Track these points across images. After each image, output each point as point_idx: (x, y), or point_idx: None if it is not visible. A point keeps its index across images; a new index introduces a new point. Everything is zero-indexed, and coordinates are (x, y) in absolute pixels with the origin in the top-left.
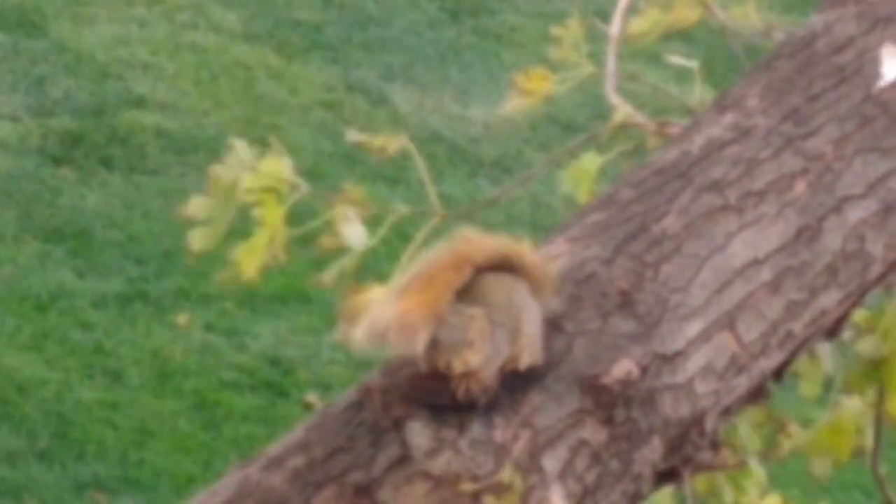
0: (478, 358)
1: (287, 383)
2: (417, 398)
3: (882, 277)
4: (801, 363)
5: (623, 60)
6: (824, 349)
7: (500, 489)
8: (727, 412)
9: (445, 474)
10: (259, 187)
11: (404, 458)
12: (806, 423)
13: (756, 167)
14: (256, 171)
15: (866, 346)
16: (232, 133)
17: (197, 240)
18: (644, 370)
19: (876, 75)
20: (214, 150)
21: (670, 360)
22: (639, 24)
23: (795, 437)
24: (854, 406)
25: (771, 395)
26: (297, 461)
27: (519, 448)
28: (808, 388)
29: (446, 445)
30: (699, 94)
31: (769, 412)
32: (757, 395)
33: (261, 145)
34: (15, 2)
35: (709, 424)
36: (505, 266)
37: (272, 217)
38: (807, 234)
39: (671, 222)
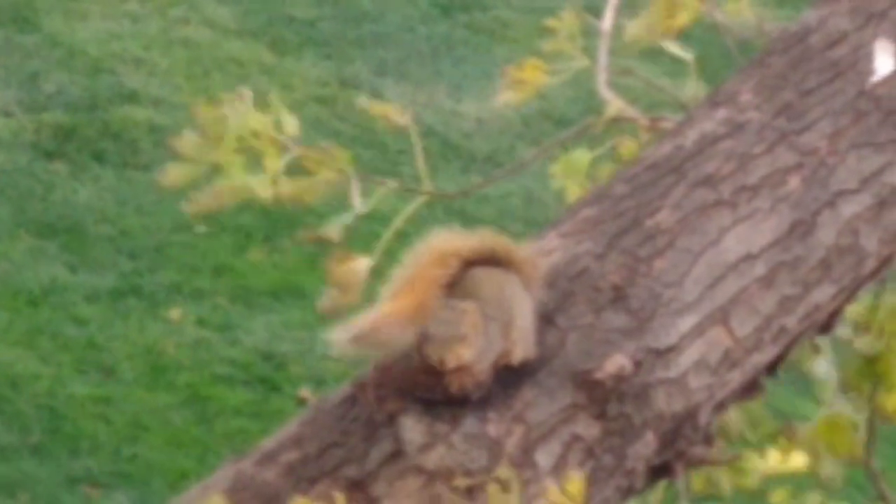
0: (470, 352)
1: (280, 378)
2: (411, 393)
3: (876, 272)
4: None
5: (616, 55)
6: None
7: (497, 484)
8: (720, 407)
9: (439, 469)
10: (259, 133)
11: (398, 453)
12: (800, 419)
13: (750, 162)
14: (259, 118)
15: (862, 343)
16: None
17: (172, 173)
18: (637, 365)
19: (869, 70)
20: None
21: (663, 354)
22: (634, 29)
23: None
24: (850, 403)
25: (764, 390)
26: (291, 456)
27: (512, 443)
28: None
29: (439, 440)
30: (692, 89)
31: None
32: (750, 389)
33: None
34: None
35: (702, 419)
36: (494, 260)
37: (273, 164)
38: (800, 229)
39: (664, 217)
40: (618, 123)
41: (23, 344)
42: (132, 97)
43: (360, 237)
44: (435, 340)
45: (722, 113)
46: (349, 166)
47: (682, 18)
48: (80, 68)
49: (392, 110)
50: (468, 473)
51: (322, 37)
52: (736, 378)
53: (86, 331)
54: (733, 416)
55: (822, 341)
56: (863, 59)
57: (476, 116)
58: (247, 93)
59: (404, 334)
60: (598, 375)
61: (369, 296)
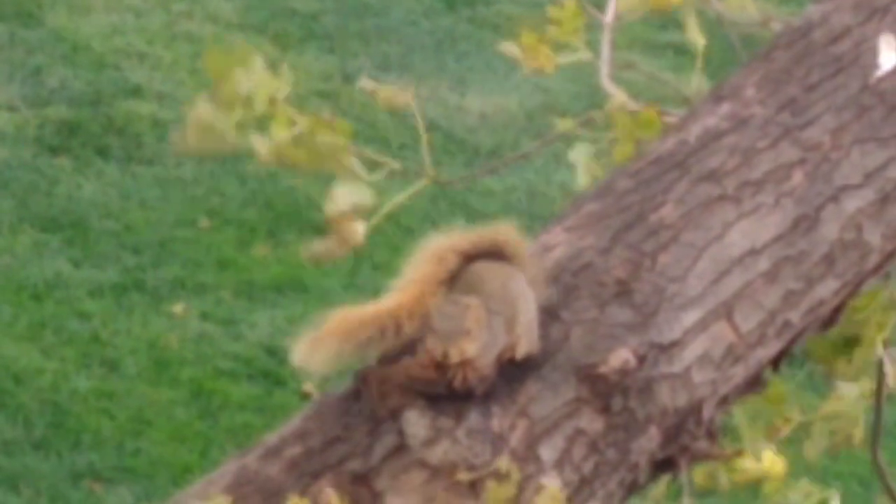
0: (474, 347)
1: (284, 373)
2: (414, 387)
3: (879, 267)
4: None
5: (619, 48)
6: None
7: (497, 478)
8: (724, 402)
9: (442, 463)
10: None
11: (401, 448)
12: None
13: (753, 157)
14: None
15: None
16: None
17: (189, 133)
18: (641, 359)
19: (873, 65)
20: None
21: (667, 349)
22: (625, 2)
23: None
24: (852, 394)
25: (767, 385)
26: (295, 450)
27: (516, 437)
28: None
29: (443, 434)
30: (696, 83)
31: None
32: (754, 384)
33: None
34: None
35: (706, 414)
36: (497, 254)
37: (281, 130)
38: (804, 224)
39: (668, 212)
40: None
41: (26, 338)
42: (136, 92)
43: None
44: (438, 334)
45: (725, 108)
46: (348, 138)
47: None
48: (83, 63)
49: (394, 92)
50: (472, 468)
51: (325, 31)
52: (739, 373)
53: (89, 325)
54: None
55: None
56: (866, 53)
57: (480, 111)
58: (259, 58)
59: (399, 332)
60: (602, 370)
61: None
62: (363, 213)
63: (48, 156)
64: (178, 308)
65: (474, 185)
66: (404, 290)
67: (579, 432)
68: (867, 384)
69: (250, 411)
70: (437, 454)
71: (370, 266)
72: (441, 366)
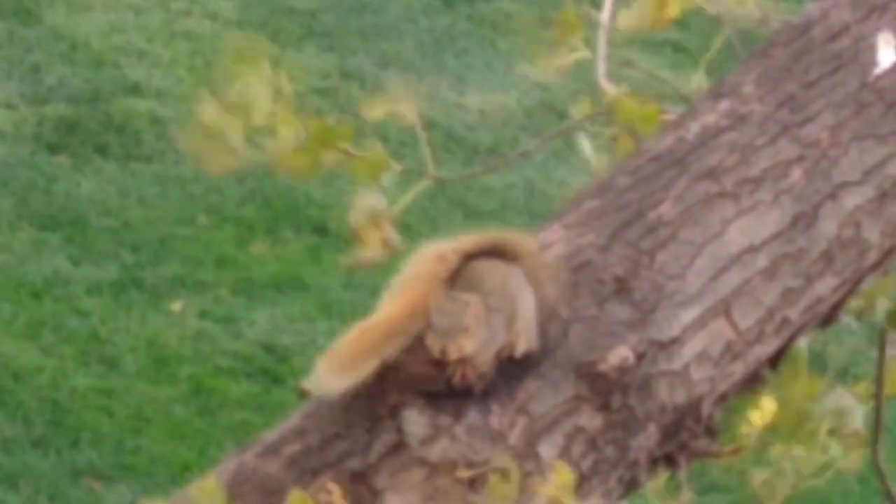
0: (473, 344)
1: (283, 370)
2: (413, 385)
3: (878, 264)
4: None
5: (618, 47)
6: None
7: (500, 475)
8: (723, 399)
9: (442, 461)
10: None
11: (400, 445)
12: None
13: (752, 154)
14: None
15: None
16: None
17: (192, 138)
18: (640, 357)
19: (872, 62)
20: None
21: (666, 346)
22: (625, 20)
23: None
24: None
25: (766, 382)
26: (294, 448)
27: (515, 435)
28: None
29: (442, 432)
30: (695, 81)
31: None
32: (753, 381)
33: (256, 132)
34: None
35: (705, 411)
36: (498, 253)
37: (288, 134)
38: (803, 221)
39: (667, 209)
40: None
41: (25, 336)
42: (135, 89)
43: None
44: (437, 331)
45: (724, 105)
46: (349, 140)
47: (674, 10)
48: (82, 61)
49: (396, 104)
50: (471, 465)
51: (323, 28)
52: (738, 370)
53: (88, 323)
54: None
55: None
56: (865, 51)
57: (479, 109)
58: (265, 60)
59: (402, 335)
60: (602, 367)
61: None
62: (384, 216)
63: (47, 153)
64: (176, 306)
65: (473, 182)
66: (407, 290)
67: (578, 430)
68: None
69: (249, 409)
70: (437, 452)
71: (370, 270)
72: (440, 363)
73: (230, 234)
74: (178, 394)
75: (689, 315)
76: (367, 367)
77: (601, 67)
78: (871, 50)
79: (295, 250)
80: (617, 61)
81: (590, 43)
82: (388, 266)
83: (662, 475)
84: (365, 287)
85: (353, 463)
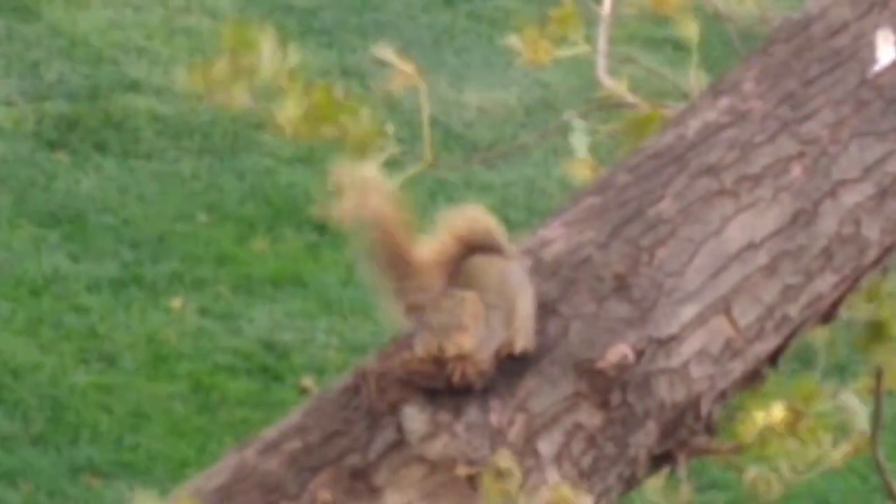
0: (470, 341)
1: (282, 367)
2: (413, 382)
3: (878, 261)
4: None
5: (618, 44)
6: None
7: (495, 472)
8: (722, 396)
9: (441, 458)
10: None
11: (400, 442)
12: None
13: (752, 151)
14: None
15: (867, 310)
16: (226, 118)
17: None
18: (639, 354)
19: (871, 59)
20: (209, 134)
21: (665, 344)
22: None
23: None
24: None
25: (766, 379)
26: (294, 445)
27: (514, 432)
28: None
29: (442, 429)
30: (694, 77)
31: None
32: (753, 379)
33: (256, 129)
34: None
35: (704, 408)
36: (493, 247)
37: (296, 105)
38: (803, 218)
39: (667, 206)
40: (619, 109)
41: (24, 333)
42: (134, 86)
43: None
44: (434, 329)
45: (724, 102)
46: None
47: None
48: (81, 57)
49: (409, 71)
50: (471, 463)
51: (323, 25)
52: (738, 367)
53: (87, 320)
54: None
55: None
56: (865, 48)
57: (478, 106)
58: (272, 33)
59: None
60: (601, 364)
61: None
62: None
63: (46, 150)
64: (176, 303)
65: (472, 180)
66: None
67: (578, 427)
68: (866, 381)
69: (249, 406)
70: (436, 449)
71: None
72: (439, 360)
73: (230, 231)
74: (178, 391)
75: (688, 312)
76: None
77: (601, 64)
78: (871, 47)
79: (294, 248)
80: (618, 58)
81: (589, 39)
82: None
83: (662, 472)
84: (365, 285)
85: (353, 460)
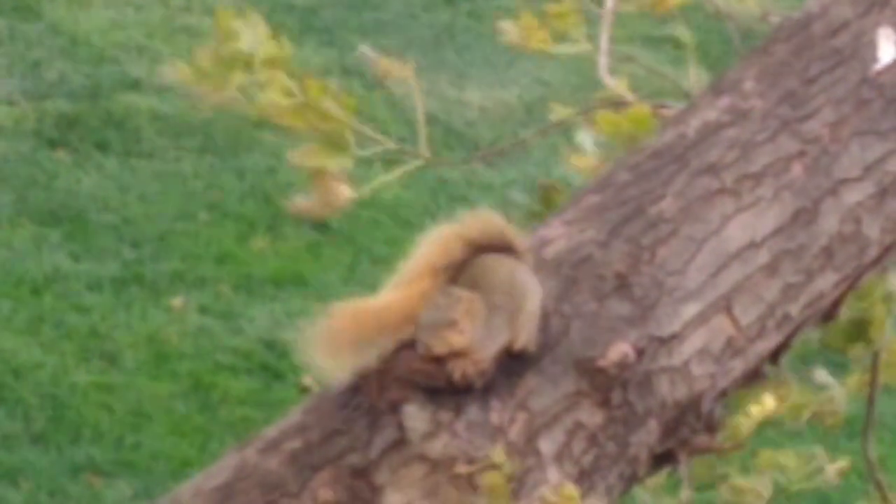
0: (462, 339)
1: (283, 366)
2: (414, 381)
3: (878, 260)
4: None
5: (618, 43)
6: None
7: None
8: (724, 395)
9: (442, 457)
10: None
11: (401, 441)
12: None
13: (752, 150)
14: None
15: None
16: (226, 117)
17: (182, 73)
18: (640, 353)
19: (872, 58)
20: (209, 133)
21: (667, 342)
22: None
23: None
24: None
25: (767, 378)
26: (294, 444)
27: (515, 431)
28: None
29: (443, 428)
30: (695, 76)
31: None
32: (753, 377)
33: (257, 128)
34: None
35: (705, 407)
36: (504, 247)
37: (278, 93)
38: (803, 217)
39: (667, 205)
40: (620, 108)
41: (25, 332)
42: (135, 85)
43: (361, 223)
44: (425, 326)
45: (725, 101)
46: (352, 112)
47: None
48: (82, 57)
49: (394, 64)
50: (471, 461)
51: (323, 24)
52: (739, 366)
53: (88, 319)
54: None
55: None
56: (865, 46)
57: (479, 104)
58: (260, 21)
59: (401, 327)
60: (602, 363)
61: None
62: (344, 177)
63: (47, 149)
64: (177, 302)
65: (473, 178)
66: (412, 281)
67: (579, 425)
68: (858, 377)
69: (249, 405)
70: (437, 448)
71: (369, 260)
72: (439, 359)
73: (230, 230)
74: (179, 390)
75: (689, 311)
76: (361, 354)
77: (602, 63)
78: (872, 46)
79: (295, 247)
80: (618, 57)
81: (590, 38)
82: (388, 261)
83: (663, 471)
84: (366, 283)
85: (354, 459)
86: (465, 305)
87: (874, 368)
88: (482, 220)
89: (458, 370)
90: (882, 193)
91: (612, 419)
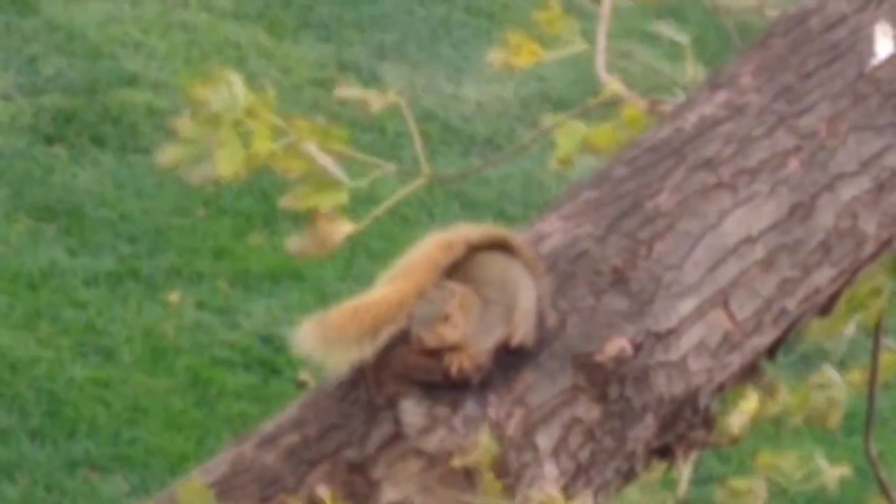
0: (454, 332)
1: (280, 361)
2: (411, 376)
3: (875, 255)
4: None
5: (615, 38)
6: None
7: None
8: (721, 390)
9: (439, 452)
10: (254, 112)
11: (398, 436)
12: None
13: (749, 145)
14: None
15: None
16: None
17: (169, 155)
18: (637, 348)
19: (869, 53)
20: None
21: (664, 337)
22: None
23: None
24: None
25: (764, 373)
26: (291, 439)
27: (512, 425)
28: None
29: (440, 423)
30: (691, 72)
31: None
32: (750, 372)
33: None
34: None
35: (702, 402)
36: (499, 246)
37: (263, 144)
38: (800, 212)
39: (664, 200)
40: (617, 106)
41: (22, 327)
42: (131, 81)
43: (359, 222)
44: (419, 320)
45: (722, 96)
46: (345, 145)
47: None
48: (79, 52)
49: (371, 96)
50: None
51: (320, 19)
52: (736, 361)
53: (85, 314)
54: None
55: None
56: (862, 41)
57: (475, 99)
58: (236, 75)
59: (398, 320)
60: (599, 358)
61: (349, 267)
62: (342, 212)
63: (43, 144)
64: (173, 297)
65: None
66: (408, 275)
67: (576, 420)
68: (859, 374)
69: (246, 400)
70: (434, 442)
71: (366, 255)
72: (435, 353)
73: (227, 225)
74: (176, 384)
75: (686, 306)
76: (360, 348)
77: (600, 59)
78: (869, 40)
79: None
80: (615, 53)
81: (587, 34)
82: (384, 257)
83: (660, 466)
84: (362, 278)
85: (351, 453)
86: (459, 299)
87: (874, 364)
88: (484, 225)
89: (454, 364)
90: (879, 188)
91: (609, 414)
